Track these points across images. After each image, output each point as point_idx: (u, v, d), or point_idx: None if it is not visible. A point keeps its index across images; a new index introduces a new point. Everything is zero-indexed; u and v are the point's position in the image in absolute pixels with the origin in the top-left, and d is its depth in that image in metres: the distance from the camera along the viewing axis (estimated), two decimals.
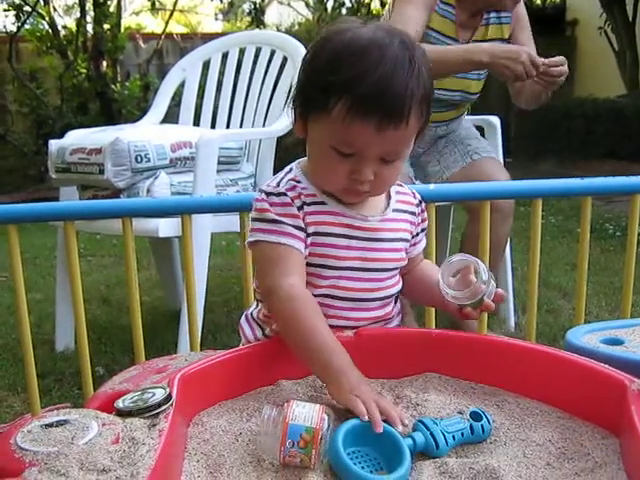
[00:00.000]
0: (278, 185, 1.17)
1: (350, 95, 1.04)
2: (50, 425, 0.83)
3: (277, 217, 1.14)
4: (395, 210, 1.24)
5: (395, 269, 1.24)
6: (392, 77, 1.04)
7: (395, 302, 1.27)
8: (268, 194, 1.16)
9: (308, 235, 1.15)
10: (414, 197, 1.30)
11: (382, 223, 1.20)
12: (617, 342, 1.20)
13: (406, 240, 1.25)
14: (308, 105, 1.13)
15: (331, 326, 1.09)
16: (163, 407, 0.88)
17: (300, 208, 1.15)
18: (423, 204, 1.31)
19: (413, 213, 1.27)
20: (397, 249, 1.23)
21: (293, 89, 1.18)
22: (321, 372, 1.04)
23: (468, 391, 1.07)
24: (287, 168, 1.23)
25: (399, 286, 1.25)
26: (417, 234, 1.29)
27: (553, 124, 7.94)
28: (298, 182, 1.18)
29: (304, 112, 1.14)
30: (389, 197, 1.25)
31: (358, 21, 1.13)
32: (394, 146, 1.10)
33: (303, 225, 1.14)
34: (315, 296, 1.13)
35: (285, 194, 1.15)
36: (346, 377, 0.99)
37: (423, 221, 1.30)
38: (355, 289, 1.18)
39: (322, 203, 1.17)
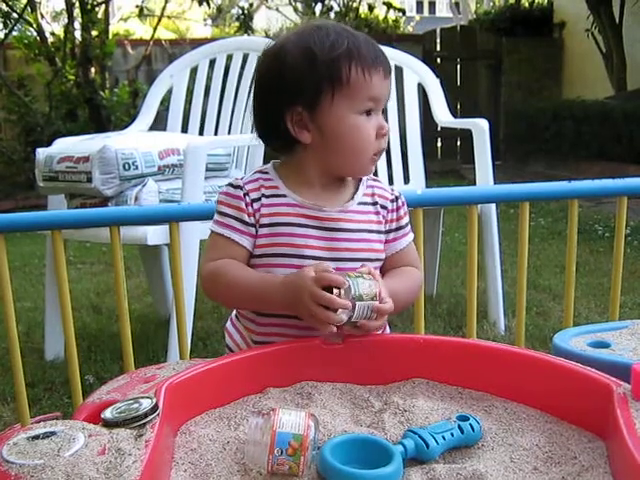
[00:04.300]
0: (242, 178, 1.26)
1: (357, 58, 1.17)
2: (36, 437, 0.82)
3: (225, 209, 1.23)
4: (361, 203, 1.26)
5: (370, 260, 1.23)
6: (370, 41, 1.22)
7: None
8: (227, 186, 1.25)
9: (263, 226, 1.21)
10: (390, 193, 1.31)
11: (342, 214, 1.23)
12: (604, 345, 1.21)
13: (376, 232, 1.26)
14: (316, 97, 1.17)
15: None
16: (150, 417, 0.87)
17: (256, 200, 1.22)
18: (400, 202, 1.32)
19: (385, 207, 1.29)
20: (365, 239, 1.24)
21: (282, 107, 1.20)
22: (270, 306, 1.18)
23: (456, 396, 1.07)
24: None
25: None
26: (391, 231, 1.29)
27: (542, 126, 7.98)
28: (264, 174, 1.25)
29: (310, 112, 1.18)
30: (356, 190, 1.27)
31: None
32: (389, 93, 1.26)
33: (248, 219, 1.21)
34: None
35: (241, 187, 1.23)
36: (285, 296, 1.11)
37: (399, 219, 1.30)
38: None
39: (282, 196, 1.23)
